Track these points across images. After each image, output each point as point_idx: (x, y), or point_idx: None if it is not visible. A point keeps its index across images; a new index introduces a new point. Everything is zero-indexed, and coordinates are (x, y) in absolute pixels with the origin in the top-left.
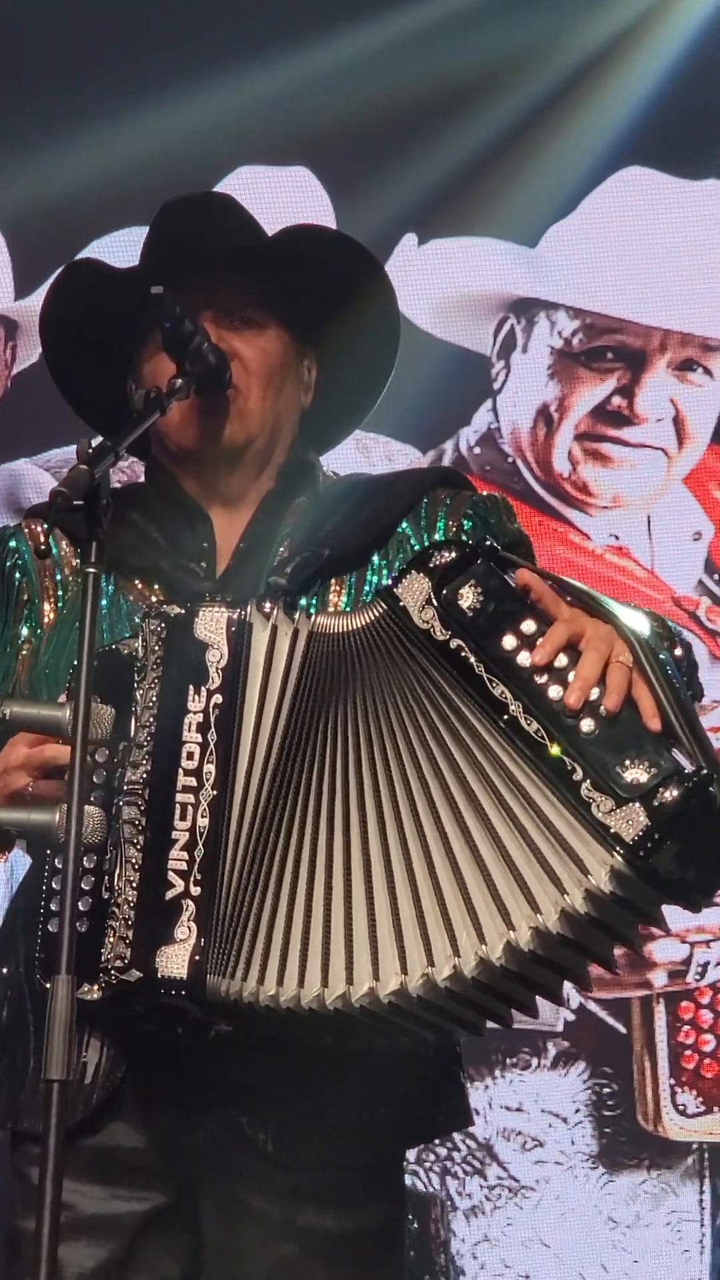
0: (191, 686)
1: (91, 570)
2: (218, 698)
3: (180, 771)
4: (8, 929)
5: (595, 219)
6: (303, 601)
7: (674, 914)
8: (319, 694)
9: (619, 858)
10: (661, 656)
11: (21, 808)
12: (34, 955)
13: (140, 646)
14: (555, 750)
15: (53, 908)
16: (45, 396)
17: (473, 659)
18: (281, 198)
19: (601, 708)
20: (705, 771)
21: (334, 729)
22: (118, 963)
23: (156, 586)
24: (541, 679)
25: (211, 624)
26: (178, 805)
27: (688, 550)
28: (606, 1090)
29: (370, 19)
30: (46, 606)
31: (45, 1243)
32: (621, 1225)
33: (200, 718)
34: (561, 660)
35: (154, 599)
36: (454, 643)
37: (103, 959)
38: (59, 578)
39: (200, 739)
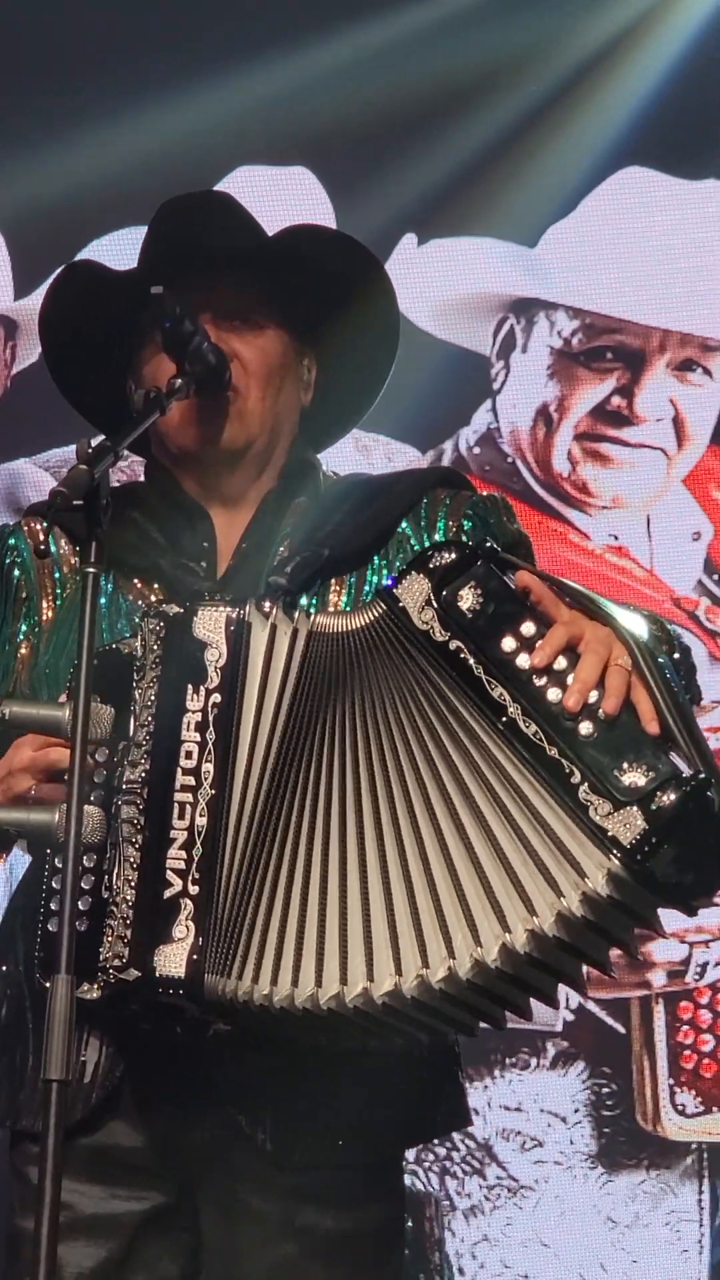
0: (190, 686)
1: (91, 570)
2: (216, 697)
3: (179, 771)
4: (7, 927)
5: (595, 219)
6: (303, 601)
7: (673, 914)
8: (318, 694)
9: (616, 861)
10: (660, 660)
11: (21, 807)
12: (33, 953)
13: (139, 646)
14: (553, 753)
15: (53, 907)
16: (45, 396)
17: (472, 660)
18: (281, 198)
19: (600, 711)
20: (703, 776)
21: (332, 729)
22: (116, 962)
23: (156, 586)
24: (540, 681)
25: (210, 623)
26: (176, 804)
27: (687, 550)
28: (605, 1090)
29: (370, 19)
30: (45, 605)
31: (44, 1242)
32: (621, 1225)
33: (199, 717)
34: (560, 663)
35: (153, 598)
36: (453, 644)
37: (101, 958)
38: (58, 576)
39: (199, 738)
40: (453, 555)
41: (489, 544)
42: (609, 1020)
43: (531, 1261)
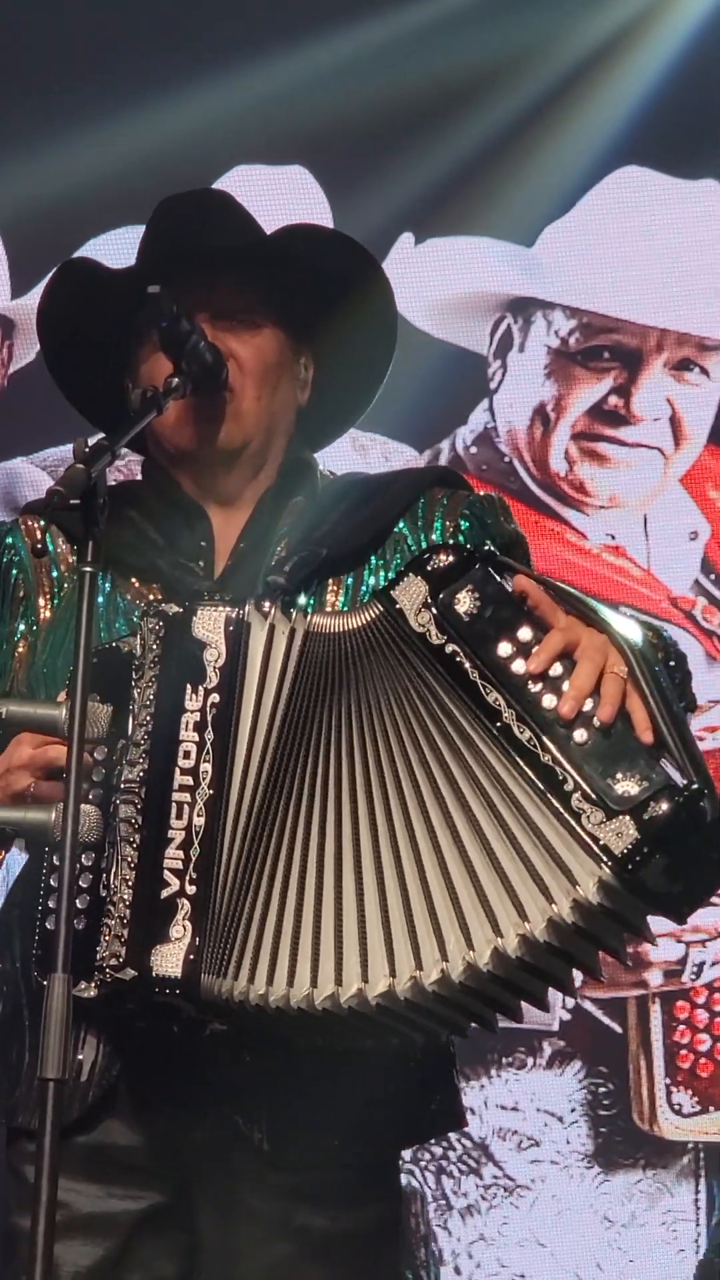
0: (189, 685)
1: (88, 569)
2: (215, 697)
3: (177, 770)
4: (4, 924)
5: (592, 219)
6: (300, 601)
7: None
8: (315, 694)
9: (607, 870)
10: (656, 668)
11: (19, 806)
12: (31, 951)
13: (138, 645)
14: (547, 759)
15: (50, 905)
16: (42, 395)
17: (467, 665)
18: (278, 197)
19: (595, 718)
20: (696, 786)
21: (329, 730)
22: (113, 961)
23: (154, 585)
24: (536, 687)
25: (210, 623)
26: (174, 804)
27: (684, 550)
28: (602, 1090)
29: (367, 18)
30: (43, 604)
31: (41, 1241)
32: (617, 1224)
33: (197, 717)
34: (556, 669)
35: (152, 598)
36: (449, 648)
37: (98, 957)
38: (55, 575)
39: (197, 738)
40: (450, 558)
41: (487, 547)
42: (606, 1020)
43: (528, 1261)
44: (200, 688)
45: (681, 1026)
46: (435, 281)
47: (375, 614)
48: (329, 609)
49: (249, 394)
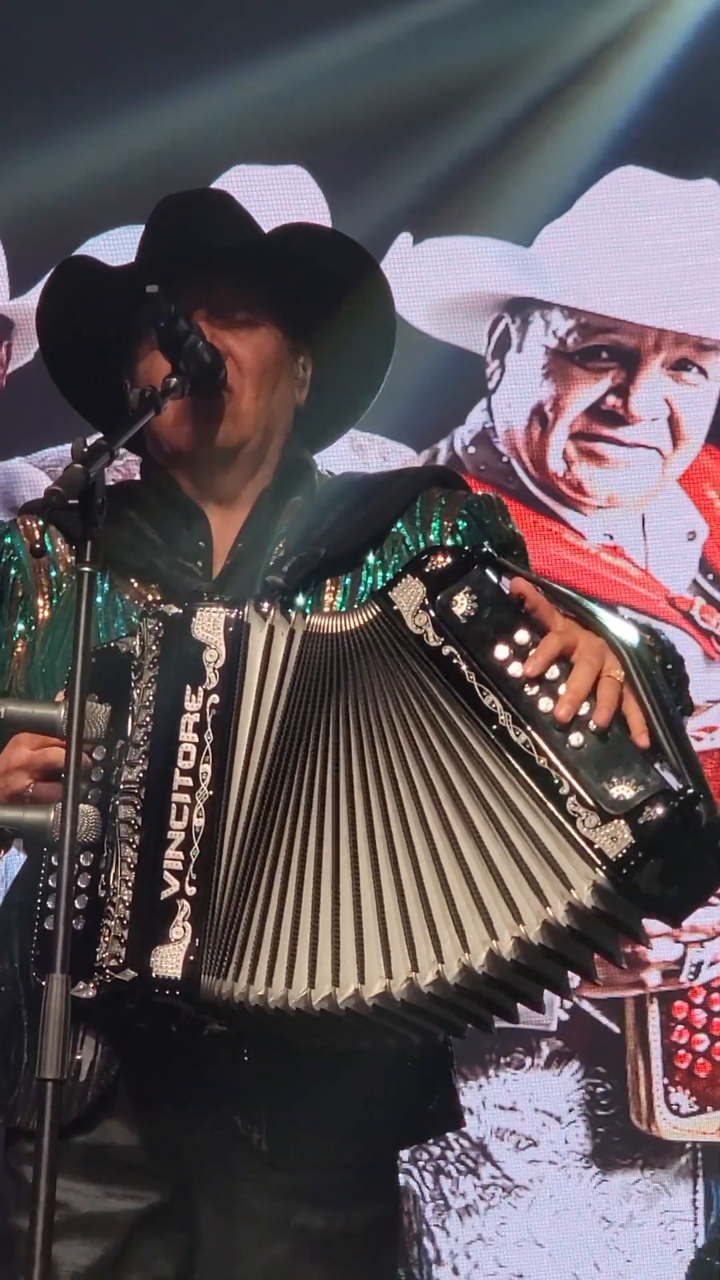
0: (189, 686)
1: (86, 569)
2: (215, 698)
3: (177, 771)
4: (2, 924)
5: (590, 218)
6: (299, 601)
7: None
8: (313, 696)
9: (601, 874)
10: (653, 672)
11: (17, 806)
12: (29, 951)
13: (137, 645)
14: (543, 763)
15: (49, 905)
16: (40, 395)
17: (464, 667)
18: (277, 197)
19: (591, 722)
20: (691, 791)
21: (327, 732)
22: (113, 962)
23: (153, 585)
24: (532, 690)
25: (209, 624)
26: (174, 805)
27: (682, 550)
28: (600, 1090)
29: (365, 18)
30: (41, 604)
31: (39, 1241)
32: (615, 1225)
33: (197, 718)
34: (553, 672)
35: (150, 598)
36: (446, 650)
37: (98, 958)
38: (54, 575)
39: (197, 739)
40: (448, 560)
41: (485, 548)
42: (604, 1020)
43: (526, 1261)
44: (200, 689)
45: (679, 1026)
46: (433, 281)
47: (373, 615)
48: (327, 609)
49: (247, 393)
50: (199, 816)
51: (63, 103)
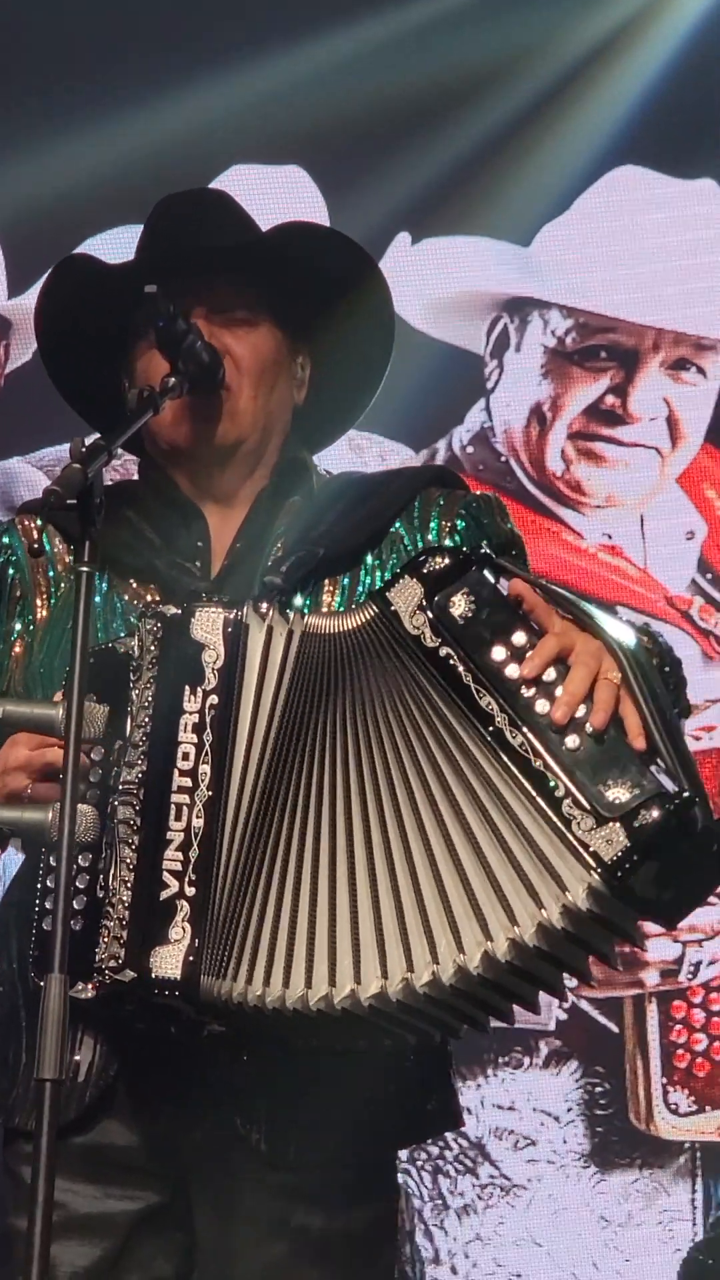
0: (188, 687)
1: (85, 569)
2: (214, 699)
3: (176, 772)
4: (1, 924)
5: (589, 218)
6: (297, 601)
7: None
8: (311, 696)
9: (597, 876)
10: (650, 674)
11: (15, 806)
12: (27, 951)
13: (136, 646)
14: (539, 765)
15: (48, 905)
16: (38, 395)
17: (461, 668)
18: (275, 196)
19: (587, 724)
20: (687, 794)
21: (325, 732)
22: (112, 962)
23: (152, 585)
24: (529, 692)
25: (208, 624)
26: (173, 806)
27: (681, 550)
28: (599, 1089)
29: (364, 18)
30: (39, 604)
31: (37, 1241)
32: (613, 1224)
33: (196, 718)
34: (550, 674)
35: (149, 598)
36: (443, 651)
37: (97, 958)
38: (52, 575)
39: (196, 740)
40: (446, 560)
41: (483, 549)
42: (602, 1019)
43: (524, 1261)
44: (199, 689)
45: (678, 1026)
46: (432, 281)
47: (370, 615)
48: (325, 609)
49: (245, 392)
50: (198, 817)
51: (62, 102)
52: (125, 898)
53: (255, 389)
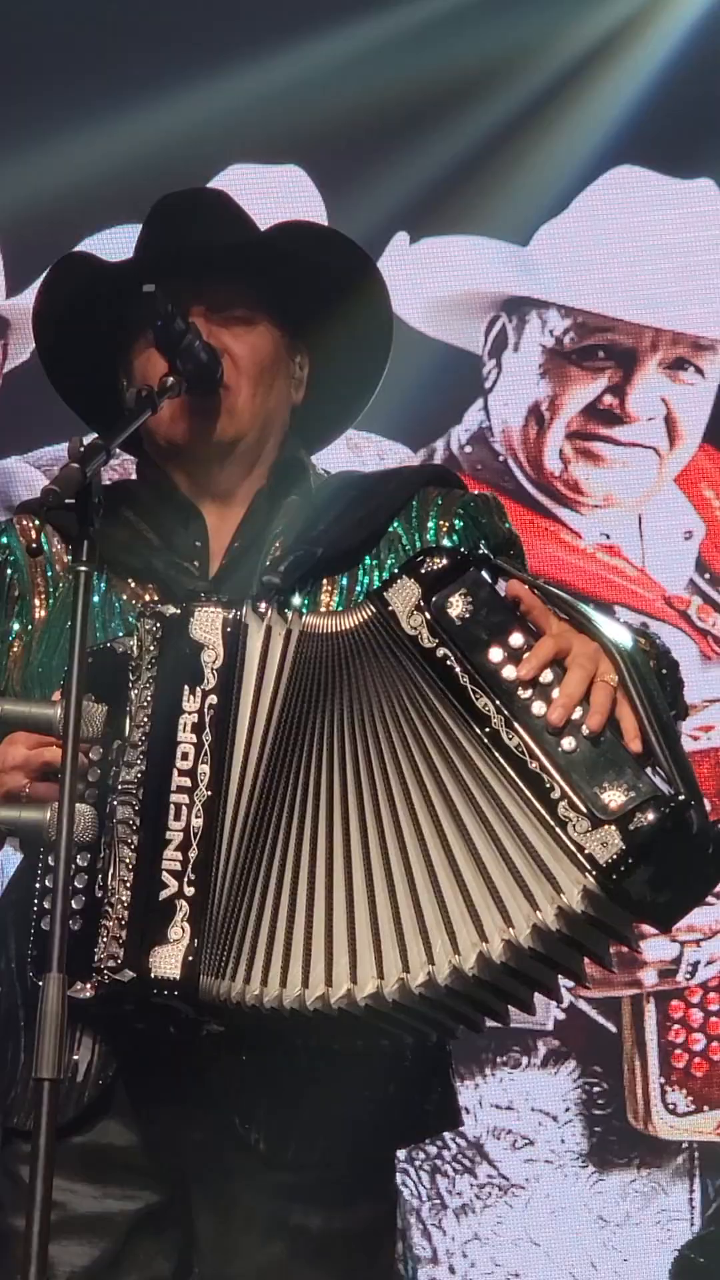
0: (187, 687)
1: (83, 569)
2: (213, 698)
3: (175, 771)
4: None
5: (587, 218)
6: (295, 601)
7: None
8: (309, 696)
9: (592, 879)
10: (647, 676)
11: (13, 805)
12: (26, 951)
13: (135, 646)
14: (534, 766)
15: (46, 905)
16: (37, 394)
17: (458, 669)
18: (273, 196)
19: (584, 726)
20: (682, 797)
21: (323, 733)
22: (111, 962)
23: (150, 585)
24: (525, 694)
25: (207, 624)
26: (172, 805)
27: (679, 549)
28: (597, 1089)
29: (362, 17)
30: (37, 604)
31: (35, 1241)
32: (611, 1224)
33: (195, 718)
34: (547, 676)
35: (147, 598)
36: (440, 651)
37: (96, 958)
38: (50, 575)
39: (195, 739)
40: (444, 561)
41: (481, 551)
42: (600, 1019)
43: (522, 1260)
44: (198, 689)
45: (676, 1026)
46: (430, 281)
47: (368, 615)
48: (324, 609)
49: (244, 390)
50: (197, 817)
51: (60, 101)
52: (124, 897)
53: (254, 387)
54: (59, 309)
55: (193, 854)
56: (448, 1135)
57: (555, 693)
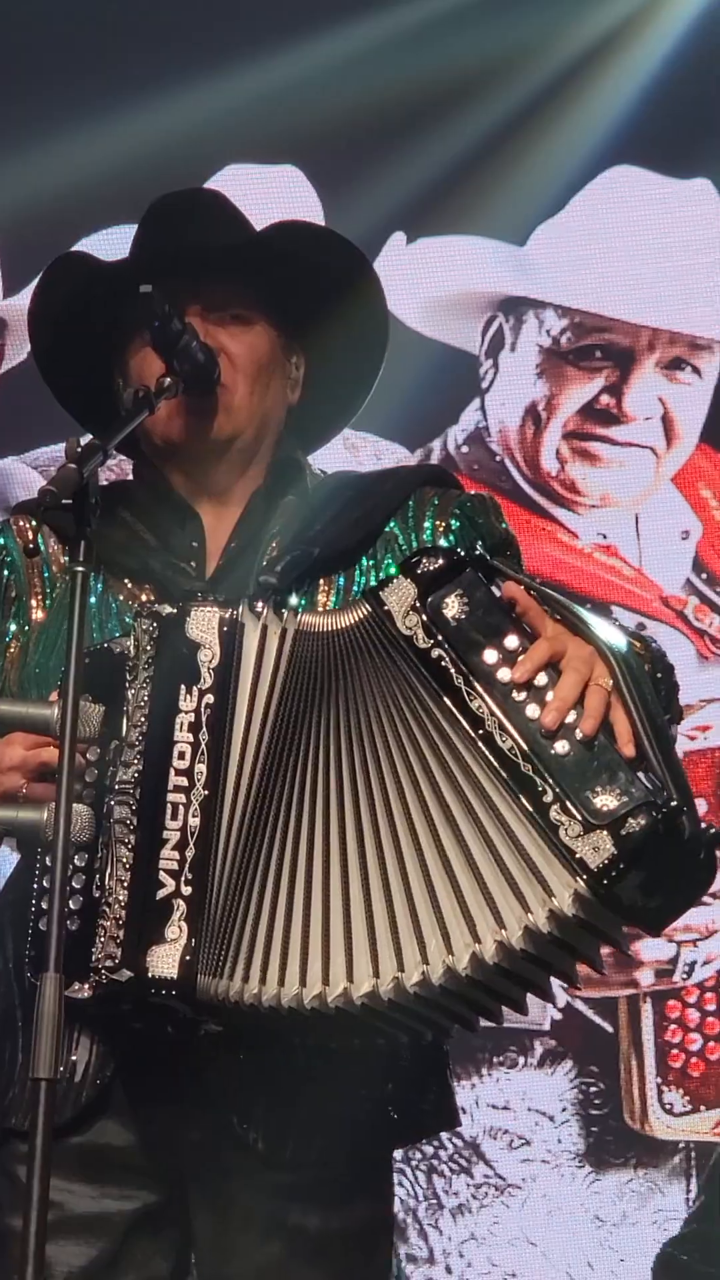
0: (183, 686)
1: (80, 569)
2: (209, 698)
3: (171, 771)
4: None
5: (584, 218)
6: (292, 601)
7: None
8: (305, 695)
9: (583, 883)
10: (641, 681)
11: (10, 805)
12: (23, 951)
13: (132, 645)
14: (527, 769)
15: (43, 906)
16: (34, 395)
17: (453, 670)
18: (271, 196)
19: (577, 730)
20: (675, 803)
21: (318, 732)
22: (108, 962)
23: (147, 586)
24: (520, 696)
25: (204, 624)
26: (169, 805)
27: (676, 549)
28: (593, 1089)
29: (360, 18)
30: (34, 604)
31: (32, 1241)
32: (608, 1224)
33: (192, 717)
34: (541, 679)
35: (144, 598)
36: (435, 652)
37: (93, 958)
38: (47, 576)
39: (192, 739)
40: (441, 561)
41: (478, 551)
42: (597, 1019)
43: (519, 1260)
44: (195, 688)
45: (673, 1026)
46: (427, 280)
47: (364, 614)
48: (320, 609)
49: (241, 389)
50: (194, 816)
51: (57, 102)
52: (121, 897)
53: (251, 386)
54: (55, 309)
55: (190, 853)
56: (444, 1135)
57: (549, 696)
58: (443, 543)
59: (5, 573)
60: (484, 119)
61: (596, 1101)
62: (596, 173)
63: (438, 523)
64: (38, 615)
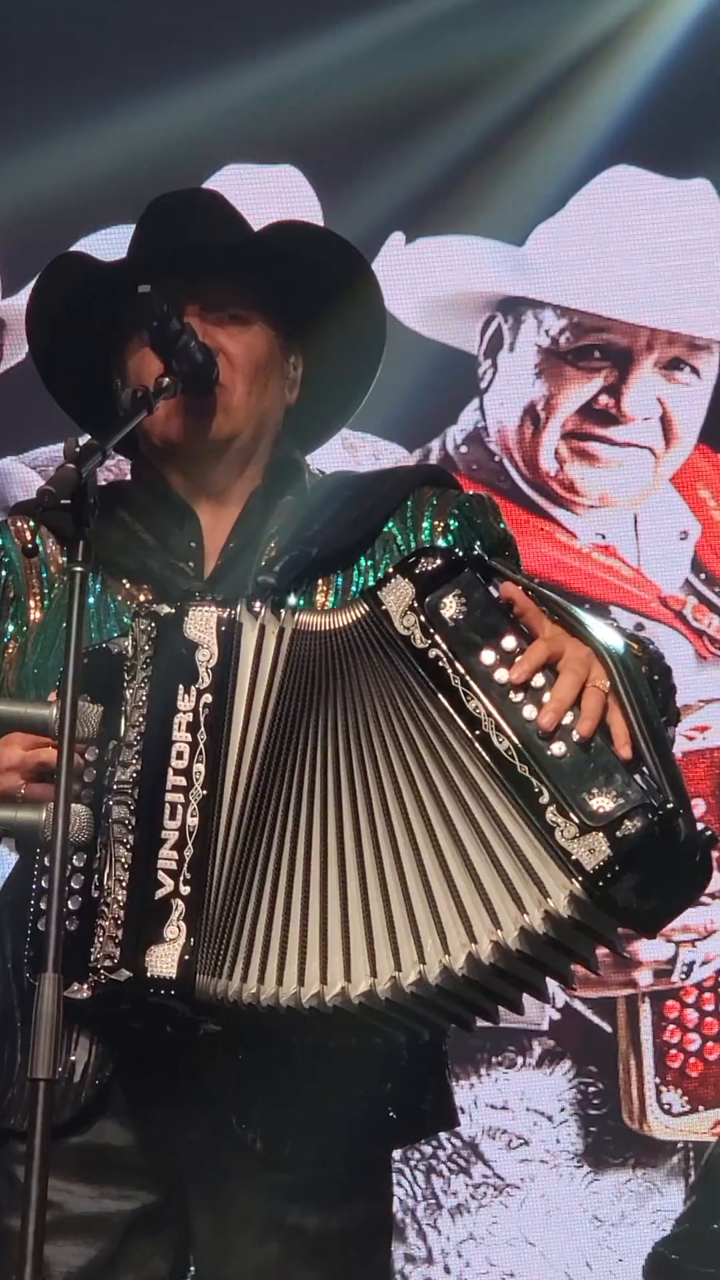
0: (181, 686)
1: (78, 569)
2: (208, 697)
3: (170, 771)
4: None
5: (583, 218)
6: (290, 601)
7: None
8: (303, 695)
9: (578, 884)
10: (638, 683)
11: (9, 806)
12: (22, 951)
13: (130, 645)
14: (523, 770)
15: (42, 906)
16: (32, 395)
17: (450, 670)
18: (269, 196)
19: (574, 732)
20: (671, 805)
21: (316, 732)
22: (107, 962)
23: (145, 586)
24: (517, 697)
25: (202, 623)
26: (167, 804)
27: (674, 549)
28: (592, 1089)
29: (358, 18)
30: (33, 605)
31: (31, 1242)
32: (607, 1224)
33: (190, 717)
34: (538, 680)
35: (142, 598)
36: (432, 652)
37: (92, 958)
38: (45, 576)
39: (190, 739)
40: (439, 561)
41: (476, 552)
42: (595, 1019)
43: (518, 1260)
44: (193, 688)
45: (671, 1026)
46: (426, 280)
47: (361, 613)
48: (318, 609)
49: (239, 389)
50: (193, 816)
51: (56, 102)
52: (120, 897)
53: (249, 386)
54: (53, 309)
55: (188, 853)
56: (443, 1135)
57: (546, 697)
58: (441, 543)
59: (3, 573)
60: (483, 119)
61: (595, 1102)
62: (595, 173)
63: (436, 523)
64: (36, 615)
